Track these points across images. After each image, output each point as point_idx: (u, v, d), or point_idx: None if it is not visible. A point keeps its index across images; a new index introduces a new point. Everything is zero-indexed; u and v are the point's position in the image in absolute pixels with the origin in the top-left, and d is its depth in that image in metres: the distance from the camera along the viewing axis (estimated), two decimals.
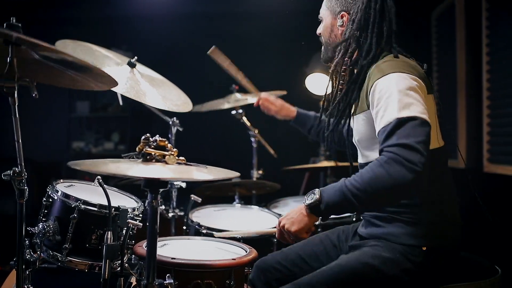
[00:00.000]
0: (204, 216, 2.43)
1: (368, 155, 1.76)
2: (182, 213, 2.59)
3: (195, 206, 2.49)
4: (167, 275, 1.51)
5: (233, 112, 3.06)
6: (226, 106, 2.99)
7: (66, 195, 1.76)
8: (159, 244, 1.87)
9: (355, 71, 1.79)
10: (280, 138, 3.53)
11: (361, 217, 1.89)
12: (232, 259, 1.68)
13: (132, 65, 2.32)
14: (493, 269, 1.76)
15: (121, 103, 2.35)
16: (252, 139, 3.12)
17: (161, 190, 1.40)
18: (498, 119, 3.42)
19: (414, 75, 1.60)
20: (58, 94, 5.06)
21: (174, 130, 2.59)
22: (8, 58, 1.33)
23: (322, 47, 1.95)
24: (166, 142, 1.42)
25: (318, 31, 1.96)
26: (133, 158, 1.47)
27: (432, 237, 1.64)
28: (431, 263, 1.63)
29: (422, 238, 1.64)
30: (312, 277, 1.67)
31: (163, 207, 2.51)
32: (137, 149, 1.44)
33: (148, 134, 1.42)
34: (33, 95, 1.36)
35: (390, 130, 1.49)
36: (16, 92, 1.37)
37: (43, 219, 1.79)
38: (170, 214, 2.57)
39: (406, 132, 1.47)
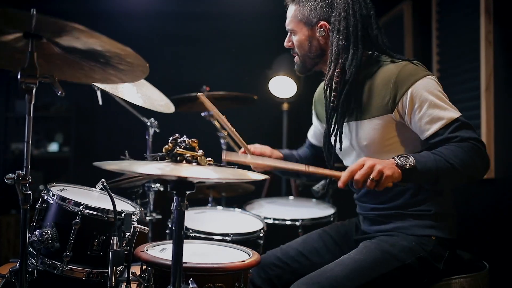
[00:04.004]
0: (187, 219, 2.36)
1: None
2: (159, 217, 2.52)
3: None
4: (190, 279, 1.47)
5: (203, 113, 3.03)
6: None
7: (65, 200, 1.66)
8: (158, 249, 1.82)
9: (347, 77, 1.78)
10: (248, 140, 3.53)
11: (363, 216, 1.95)
12: (242, 261, 1.67)
13: None
14: (481, 263, 1.90)
15: (100, 102, 2.24)
16: (222, 141, 3.10)
17: (188, 192, 1.37)
18: None
19: (434, 76, 1.75)
20: None
21: (151, 131, 2.52)
22: (28, 53, 1.23)
23: (297, 59, 1.94)
24: (196, 143, 1.39)
25: (288, 43, 1.95)
26: (157, 159, 1.42)
27: (438, 228, 1.76)
28: (440, 251, 1.74)
29: (430, 228, 1.76)
30: (334, 267, 1.69)
31: (141, 209, 2.42)
32: (163, 149, 1.39)
33: (177, 135, 1.38)
34: (59, 93, 1.27)
35: (457, 126, 1.65)
36: (35, 89, 1.27)
37: (37, 225, 1.67)
38: (148, 218, 2.49)
39: (471, 129, 1.65)
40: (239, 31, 4.21)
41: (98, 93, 2.22)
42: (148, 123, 2.50)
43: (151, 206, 2.52)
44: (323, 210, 2.78)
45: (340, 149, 1.87)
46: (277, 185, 3.93)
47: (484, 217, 3.04)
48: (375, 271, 1.67)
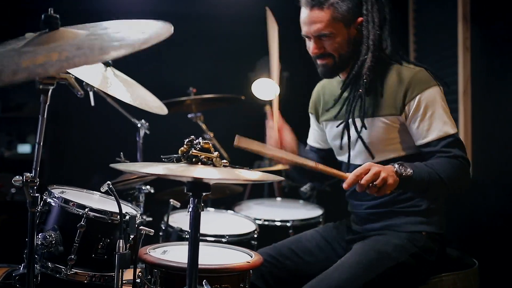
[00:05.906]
0: (180, 221, 2.37)
1: (378, 157, 1.87)
2: (150, 219, 2.50)
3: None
4: (204, 281, 1.47)
5: (190, 115, 3.03)
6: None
7: (69, 202, 1.62)
8: (159, 251, 1.81)
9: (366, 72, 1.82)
10: (231, 142, 3.53)
11: (354, 214, 1.99)
12: (247, 261, 1.69)
13: (107, 64, 2.20)
14: (470, 260, 1.98)
15: (92, 103, 2.20)
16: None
17: (204, 193, 1.38)
18: None
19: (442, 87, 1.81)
20: None
21: (142, 133, 2.49)
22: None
23: (329, 62, 1.87)
24: (210, 145, 1.40)
25: (319, 50, 1.86)
26: (173, 160, 1.42)
27: (428, 223, 1.84)
28: (430, 246, 1.81)
29: (421, 224, 1.83)
30: (332, 273, 1.72)
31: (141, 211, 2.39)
32: (179, 151, 1.40)
33: (192, 136, 1.39)
34: (78, 94, 1.24)
35: (451, 142, 1.75)
36: (51, 90, 1.25)
37: (38, 228, 1.62)
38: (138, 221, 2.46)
39: (463, 148, 1.75)
40: (221, 33, 4.21)
41: (91, 93, 2.18)
42: (139, 125, 2.47)
43: (142, 209, 2.49)
44: (311, 211, 2.82)
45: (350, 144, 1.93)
46: (259, 186, 3.94)
47: (464, 216, 3.16)
48: (372, 271, 1.70)
